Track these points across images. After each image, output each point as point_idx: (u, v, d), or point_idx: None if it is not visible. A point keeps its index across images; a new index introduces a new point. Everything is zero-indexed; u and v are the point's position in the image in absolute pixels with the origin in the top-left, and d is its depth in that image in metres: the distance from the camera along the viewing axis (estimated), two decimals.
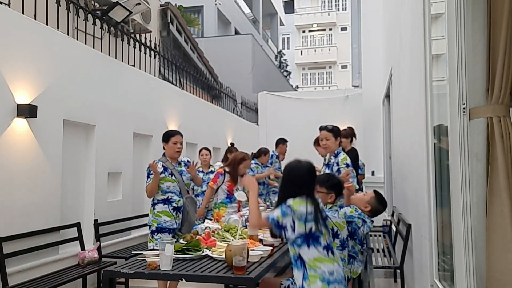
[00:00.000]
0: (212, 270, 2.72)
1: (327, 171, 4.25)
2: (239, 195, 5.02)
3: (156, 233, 4.29)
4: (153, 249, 4.24)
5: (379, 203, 3.67)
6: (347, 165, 4.17)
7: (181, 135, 4.50)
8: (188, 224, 4.44)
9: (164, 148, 4.47)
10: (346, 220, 3.45)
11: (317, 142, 6.15)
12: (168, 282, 4.29)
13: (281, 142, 8.01)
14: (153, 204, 4.38)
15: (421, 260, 3.71)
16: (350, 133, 5.94)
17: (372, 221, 3.79)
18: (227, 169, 5.07)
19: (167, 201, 4.35)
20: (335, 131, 4.37)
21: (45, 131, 4.44)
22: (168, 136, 4.46)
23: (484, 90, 2.15)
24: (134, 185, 6.07)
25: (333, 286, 2.56)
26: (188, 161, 4.64)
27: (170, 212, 4.33)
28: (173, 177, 4.37)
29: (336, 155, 4.28)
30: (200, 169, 6.32)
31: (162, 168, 4.36)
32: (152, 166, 4.25)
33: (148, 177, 4.33)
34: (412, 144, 4.21)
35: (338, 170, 4.16)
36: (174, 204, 4.35)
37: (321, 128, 4.42)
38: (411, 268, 4.63)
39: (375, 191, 3.66)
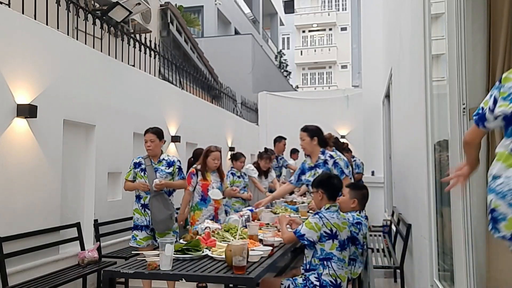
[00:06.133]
0: (212, 270, 2.72)
1: (320, 171, 4.13)
2: (214, 193, 4.78)
3: (133, 230, 4.47)
4: (131, 247, 4.51)
5: (357, 189, 3.70)
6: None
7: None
8: (156, 223, 4.36)
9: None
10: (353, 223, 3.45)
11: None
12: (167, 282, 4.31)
13: (278, 140, 8.19)
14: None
15: (421, 260, 3.71)
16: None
17: (366, 217, 3.79)
18: (198, 167, 4.95)
19: (137, 198, 4.49)
20: (309, 130, 4.24)
21: (45, 131, 4.44)
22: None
23: (484, 90, 2.15)
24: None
25: None
26: (173, 161, 4.54)
27: (140, 209, 4.45)
28: (144, 174, 4.43)
29: (323, 153, 4.24)
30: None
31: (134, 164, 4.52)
32: (143, 187, 4.38)
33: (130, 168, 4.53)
34: (412, 144, 4.21)
35: (335, 163, 4.14)
36: (142, 201, 4.46)
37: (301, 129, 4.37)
38: (411, 268, 4.63)
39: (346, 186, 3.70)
